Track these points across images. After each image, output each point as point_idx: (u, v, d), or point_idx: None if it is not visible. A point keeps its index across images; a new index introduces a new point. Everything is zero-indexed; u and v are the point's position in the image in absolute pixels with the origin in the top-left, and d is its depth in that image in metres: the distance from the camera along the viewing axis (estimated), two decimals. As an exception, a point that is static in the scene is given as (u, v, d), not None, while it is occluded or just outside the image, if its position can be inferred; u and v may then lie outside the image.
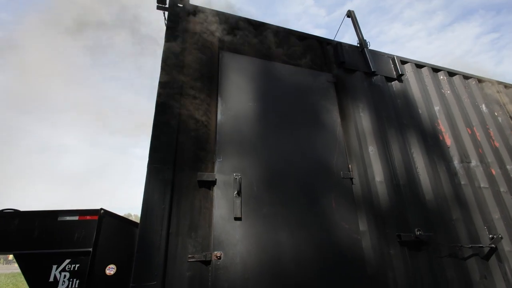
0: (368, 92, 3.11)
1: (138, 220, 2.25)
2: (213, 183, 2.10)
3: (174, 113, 2.23)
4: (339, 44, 3.24)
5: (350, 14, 3.69)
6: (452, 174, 3.05)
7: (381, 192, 2.60)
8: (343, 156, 2.62)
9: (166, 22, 2.81)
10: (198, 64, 2.52)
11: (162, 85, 2.29)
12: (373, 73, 3.21)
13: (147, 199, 1.90)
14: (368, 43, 3.35)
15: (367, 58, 3.23)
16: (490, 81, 4.13)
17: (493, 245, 2.69)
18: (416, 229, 2.48)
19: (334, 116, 2.80)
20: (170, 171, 2.02)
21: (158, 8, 2.68)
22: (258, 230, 2.06)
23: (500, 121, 3.78)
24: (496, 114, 3.83)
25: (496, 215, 2.98)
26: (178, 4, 2.71)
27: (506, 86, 4.25)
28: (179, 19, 2.64)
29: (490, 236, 2.80)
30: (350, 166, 2.60)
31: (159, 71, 2.35)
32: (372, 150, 2.79)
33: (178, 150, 2.12)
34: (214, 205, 2.03)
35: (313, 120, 2.69)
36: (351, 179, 2.54)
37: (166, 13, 2.79)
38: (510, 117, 3.92)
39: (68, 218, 2.33)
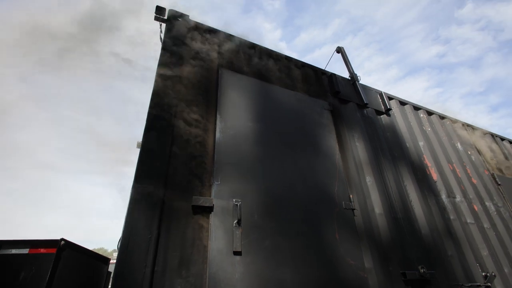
0: (362, 123, 3.13)
1: (110, 255, 1.82)
2: (210, 209, 1.80)
3: (167, 125, 1.96)
4: (334, 75, 3.30)
5: (340, 50, 3.87)
6: (442, 208, 3.06)
7: (382, 225, 2.47)
8: (343, 185, 2.49)
9: (161, 35, 2.65)
10: (195, 80, 2.33)
11: (155, 92, 2.04)
12: (365, 105, 3.28)
13: (130, 227, 1.54)
14: (359, 77, 3.47)
15: (359, 90, 3.31)
16: (462, 122, 4.47)
17: (489, 284, 2.62)
18: (420, 267, 2.34)
19: (332, 143, 2.72)
20: (159, 192, 1.70)
21: (156, 19, 2.52)
22: (260, 267, 1.76)
23: (473, 159, 4.02)
24: (469, 153, 4.07)
25: (484, 252, 2.98)
26: (178, 18, 2.58)
27: (473, 128, 4.62)
28: (177, 33, 2.50)
29: (483, 274, 2.75)
30: (351, 196, 2.47)
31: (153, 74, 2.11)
32: (370, 181, 2.70)
33: (170, 168, 1.82)
34: (211, 236, 1.72)
35: (312, 146, 2.57)
36: (353, 210, 2.39)
37: (163, 25, 2.64)
38: (481, 156, 4.20)
39: (14, 251, 1.82)
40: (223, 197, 1.88)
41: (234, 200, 1.89)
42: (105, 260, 2.14)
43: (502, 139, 5.02)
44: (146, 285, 1.43)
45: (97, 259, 2.02)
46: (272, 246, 1.86)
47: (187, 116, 2.09)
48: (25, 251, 1.82)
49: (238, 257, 1.72)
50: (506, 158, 4.58)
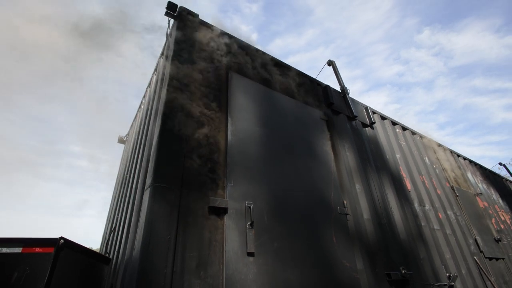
0: (351, 133, 3.35)
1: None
2: (225, 210, 1.82)
3: (181, 125, 1.95)
4: (328, 86, 3.50)
5: (331, 63, 4.10)
6: (415, 215, 3.40)
7: (369, 230, 2.68)
8: (338, 191, 2.66)
9: (168, 31, 2.60)
10: (207, 80, 2.34)
11: (170, 91, 2.01)
12: (354, 117, 3.52)
13: (150, 227, 1.51)
14: (348, 91, 3.71)
15: (349, 103, 3.55)
16: (428, 138, 4.99)
17: (452, 283, 2.98)
18: (401, 268, 2.59)
19: (328, 151, 2.89)
20: (176, 192, 1.69)
21: (166, 14, 2.47)
22: (271, 268, 1.82)
23: (437, 172, 4.52)
24: (434, 166, 4.57)
25: (447, 255, 3.37)
26: (189, 15, 2.56)
27: (439, 145, 5.19)
28: (187, 32, 2.48)
29: (447, 274, 3.12)
30: (344, 201, 2.65)
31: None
32: (359, 188, 2.92)
33: (185, 168, 1.81)
34: (226, 237, 1.74)
35: (311, 153, 2.71)
36: (346, 215, 2.57)
37: (171, 22, 2.60)
38: (443, 169, 4.73)
39: (5, 250, 1.66)
40: (236, 199, 1.92)
41: (246, 202, 1.94)
42: (107, 261, 2.02)
43: (458, 155, 5.70)
44: (168, 286, 1.42)
45: (100, 260, 1.90)
46: (280, 248, 1.94)
47: (200, 116, 2.09)
48: (18, 250, 1.67)
49: (251, 258, 1.77)
50: (462, 173, 5.21)
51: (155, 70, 3.37)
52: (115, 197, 4.06)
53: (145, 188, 1.74)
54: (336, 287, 2.07)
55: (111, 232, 3.02)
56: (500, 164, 7.88)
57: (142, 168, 2.16)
